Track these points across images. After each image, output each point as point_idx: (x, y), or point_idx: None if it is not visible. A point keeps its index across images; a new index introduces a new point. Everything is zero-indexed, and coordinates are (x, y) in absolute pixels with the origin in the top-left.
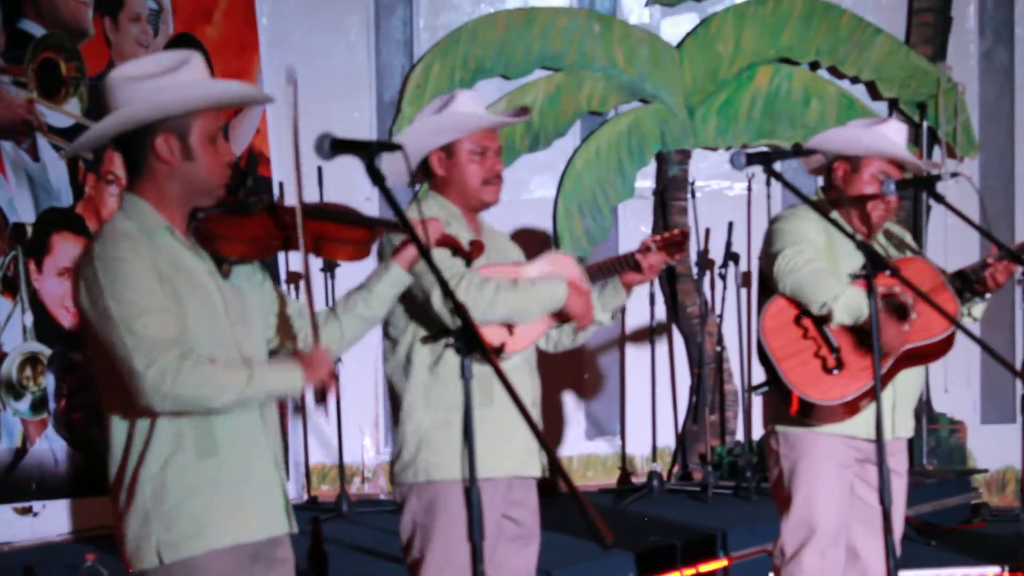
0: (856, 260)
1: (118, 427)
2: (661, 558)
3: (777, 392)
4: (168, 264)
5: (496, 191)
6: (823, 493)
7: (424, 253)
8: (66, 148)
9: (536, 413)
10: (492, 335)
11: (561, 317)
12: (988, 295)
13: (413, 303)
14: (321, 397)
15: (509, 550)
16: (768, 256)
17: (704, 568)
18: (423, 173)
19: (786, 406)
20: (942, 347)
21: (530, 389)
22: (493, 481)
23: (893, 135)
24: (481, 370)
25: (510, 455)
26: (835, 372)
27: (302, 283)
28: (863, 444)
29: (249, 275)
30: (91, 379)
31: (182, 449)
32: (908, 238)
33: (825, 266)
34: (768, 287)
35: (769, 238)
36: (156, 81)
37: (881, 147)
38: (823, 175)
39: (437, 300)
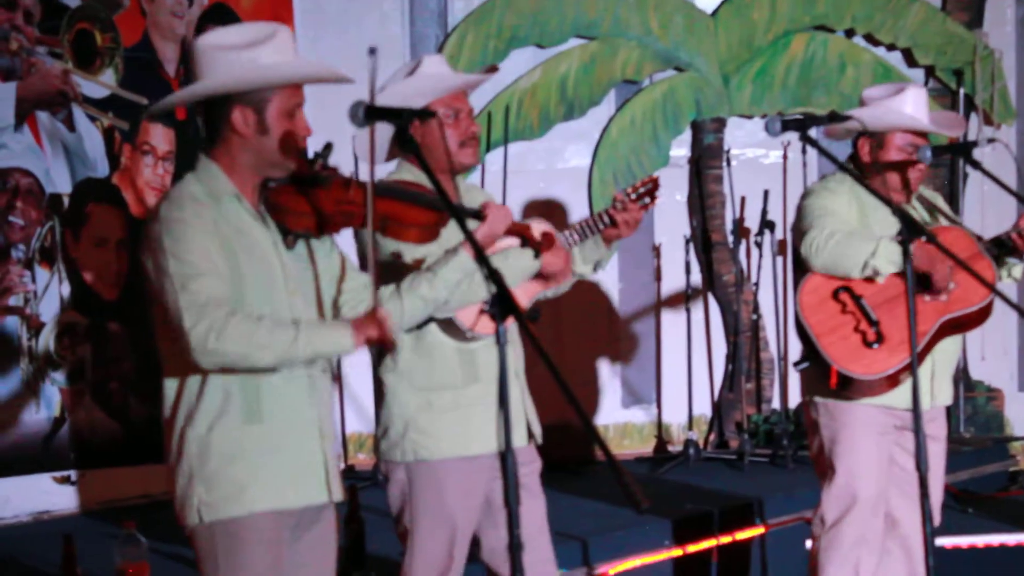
0: (890, 228)
1: (170, 387)
2: (698, 526)
3: (816, 366)
4: (231, 230)
5: (474, 152)
6: (864, 462)
7: (475, 245)
8: (102, 118)
9: (519, 383)
10: (469, 317)
11: (544, 279)
12: None
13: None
14: (379, 354)
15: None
16: (797, 233)
17: (740, 536)
18: (395, 141)
19: (826, 379)
20: (981, 315)
21: (513, 360)
22: (477, 459)
23: (912, 106)
24: (464, 348)
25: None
26: (875, 346)
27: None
28: (902, 413)
29: (317, 246)
30: (127, 349)
31: (229, 413)
32: (940, 201)
33: (847, 230)
34: (802, 260)
35: (798, 214)
36: (240, 53)
37: (902, 122)
38: (853, 150)
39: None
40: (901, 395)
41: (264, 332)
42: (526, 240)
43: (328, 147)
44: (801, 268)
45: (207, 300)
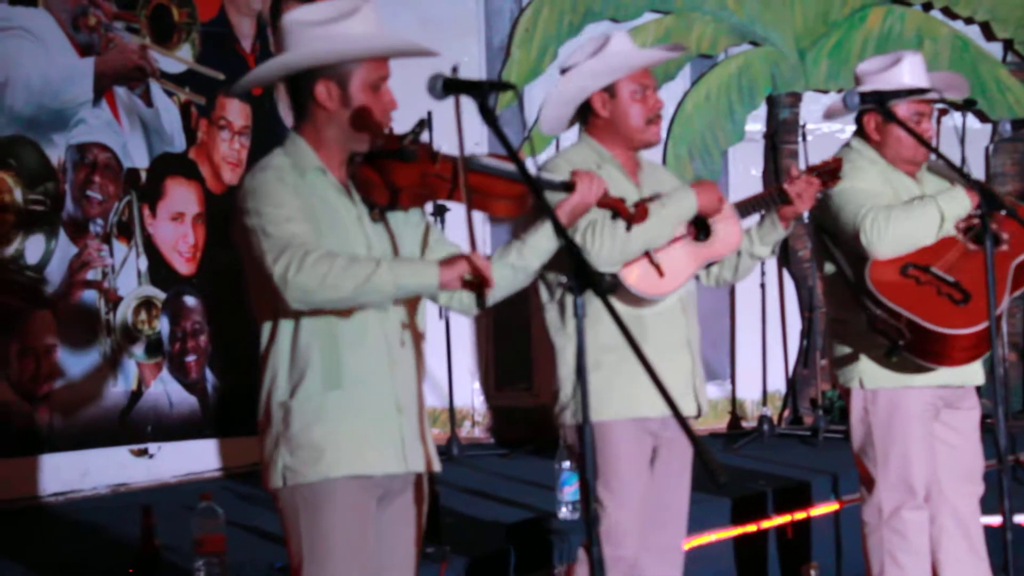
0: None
1: (264, 346)
2: (772, 502)
3: (911, 349)
4: (315, 201)
5: (658, 131)
6: (917, 449)
7: (551, 215)
8: (179, 93)
9: (691, 354)
10: (642, 278)
11: (712, 256)
12: None
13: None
14: (480, 298)
15: (663, 488)
16: (836, 219)
17: (815, 512)
18: (577, 117)
19: (919, 355)
20: None
21: (684, 329)
22: (646, 420)
23: (910, 75)
24: (633, 312)
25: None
26: (963, 304)
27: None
28: (946, 392)
29: (406, 219)
30: (204, 323)
31: (309, 378)
32: (944, 171)
33: (896, 203)
34: (827, 238)
35: (834, 201)
36: (324, 28)
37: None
38: (858, 125)
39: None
40: (954, 373)
41: (342, 263)
42: (618, 212)
43: (421, 123)
44: (829, 254)
45: (288, 240)
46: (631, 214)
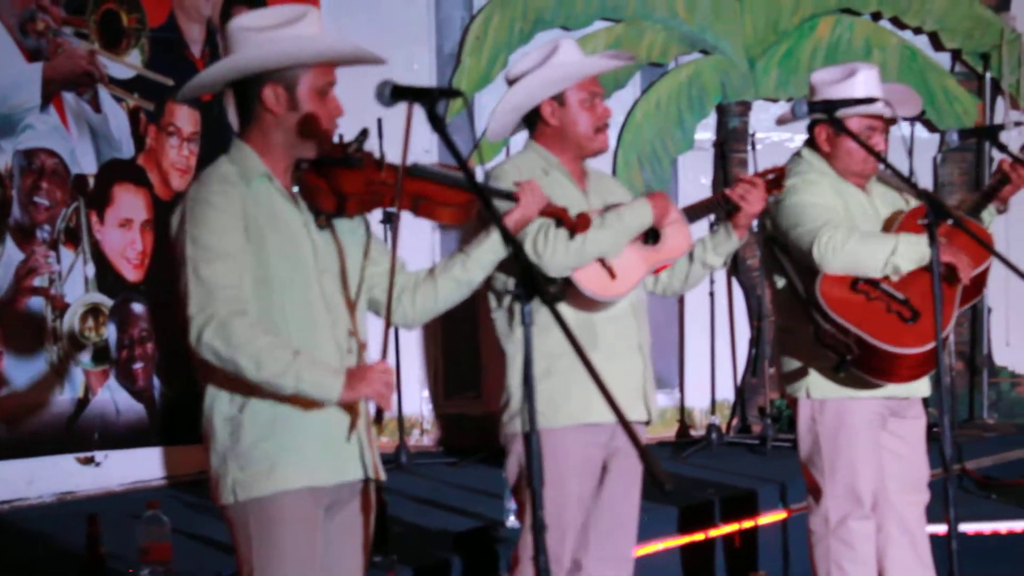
0: (864, 215)
1: (201, 368)
2: (719, 510)
3: (858, 364)
4: (260, 209)
5: (606, 139)
6: (865, 459)
7: (499, 224)
8: (128, 99)
9: (642, 358)
10: (594, 280)
11: (660, 260)
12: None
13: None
14: (377, 414)
15: (614, 496)
16: (789, 232)
17: (763, 520)
18: (524, 124)
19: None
20: (984, 277)
21: (635, 334)
22: (598, 427)
23: (864, 89)
24: (583, 317)
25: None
26: (912, 321)
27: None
28: (893, 402)
29: (350, 228)
30: (152, 330)
31: (259, 391)
32: (895, 182)
33: (858, 229)
34: (777, 250)
35: (787, 214)
36: (272, 32)
37: (856, 109)
38: (809, 135)
39: (528, 252)
40: (900, 385)
41: (262, 345)
42: (561, 221)
43: (364, 132)
44: (779, 266)
45: (214, 288)
46: (574, 223)
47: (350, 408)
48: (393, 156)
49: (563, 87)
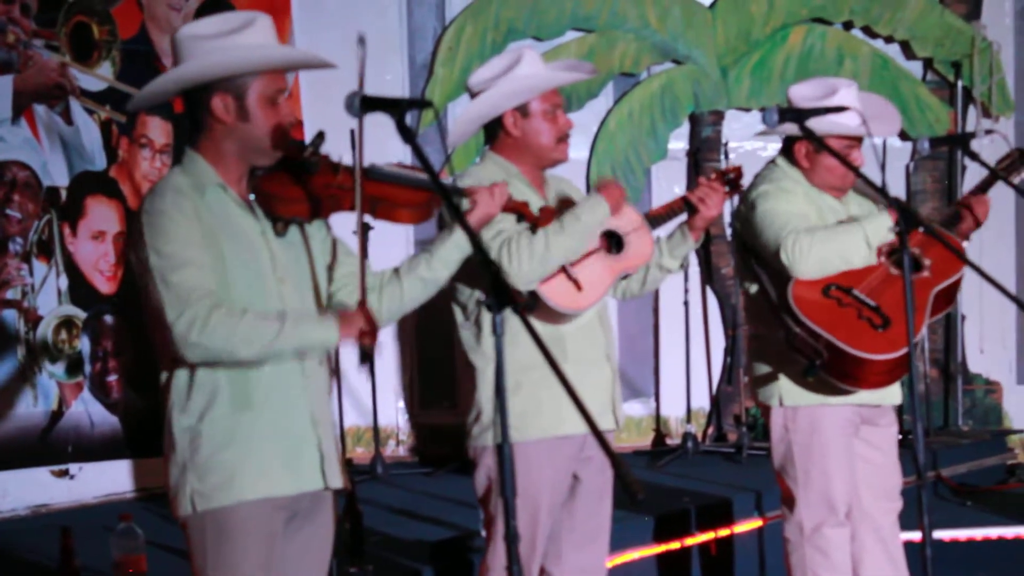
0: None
1: (164, 378)
2: (696, 519)
3: (828, 369)
4: (215, 220)
5: (567, 148)
6: (838, 466)
7: (462, 222)
8: (99, 111)
9: (611, 367)
10: (561, 294)
11: (626, 269)
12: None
13: (476, 268)
14: (364, 356)
15: (585, 506)
16: (758, 238)
17: (739, 529)
18: (485, 134)
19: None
20: (956, 289)
21: (603, 343)
22: (569, 438)
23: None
24: (552, 330)
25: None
26: (882, 329)
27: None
28: (867, 409)
29: (312, 233)
30: (125, 342)
31: (218, 401)
32: (873, 194)
33: (819, 228)
34: (750, 256)
35: (757, 220)
36: (218, 41)
37: (839, 129)
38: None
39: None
40: (872, 392)
41: (247, 325)
42: (523, 216)
43: (320, 135)
44: (752, 273)
45: (188, 291)
46: (536, 217)
47: (313, 418)
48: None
49: (527, 98)
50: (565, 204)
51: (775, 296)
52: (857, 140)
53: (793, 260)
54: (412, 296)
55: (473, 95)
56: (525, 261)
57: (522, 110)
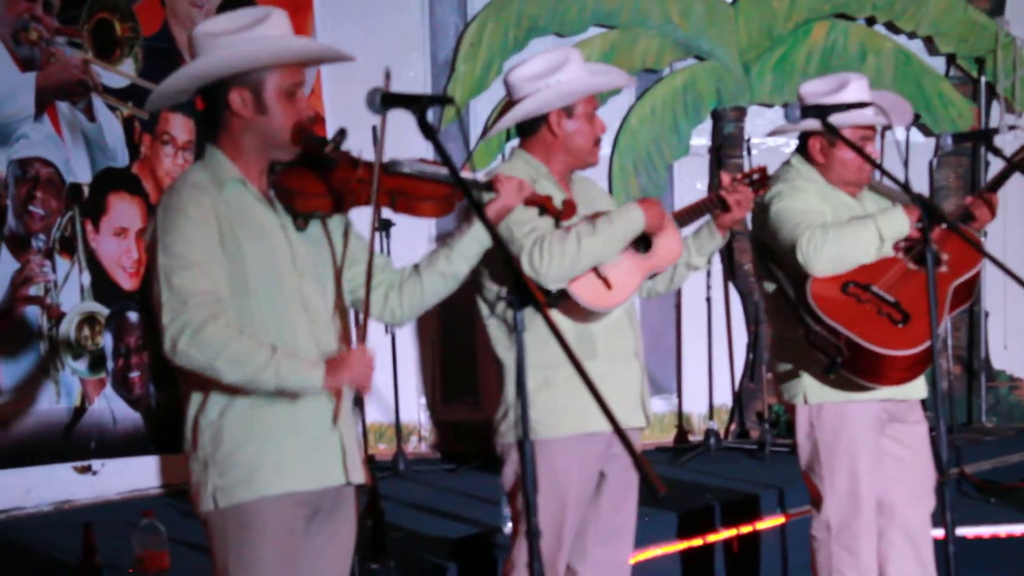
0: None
1: (183, 376)
2: (718, 515)
3: (848, 366)
4: (234, 215)
5: (599, 152)
6: (865, 463)
7: (481, 215)
8: (122, 108)
9: (639, 364)
10: (591, 291)
11: (654, 268)
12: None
13: (501, 264)
14: (356, 400)
15: (611, 503)
16: (774, 237)
17: (761, 525)
18: (518, 130)
19: (859, 374)
20: (975, 283)
21: (632, 341)
22: (597, 435)
23: (855, 100)
24: (581, 327)
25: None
26: (902, 324)
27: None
28: (894, 405)
29: (333, 228)
30: (148, 338)
31: (239, 398)
32: (883, 188)
33: (832, 225)
34: (767, 257)
35: (772, 220)
36: (234, 36)
37: (852, 120)
38: (801, 145)
39: (525, 267)
40: (896, 387)
41: (239, 346)
42: (545, 209)
43: (342, 132)
44: (769, 272)
45: (188, 296)
46: (559, 211)
47: (332, 406)
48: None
49: (577, 99)
50: (590, 204)
51: (794, 295)
52: (871, 133)
53: (808, 257)
54: (432, 291)
55: (510, 89)
56: (556, 260)
57: (567, 111)
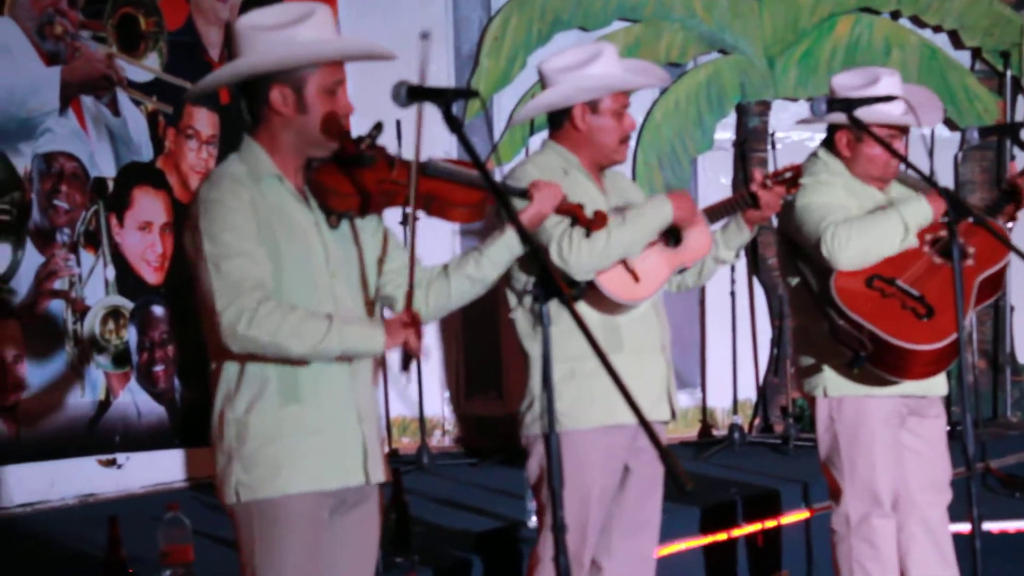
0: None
1: (213, 369)
2: (742, 510)
3: (874, 361)
4: (270, 210)
5: (627, 150)
6: (884, 457)
7: (516, 223)
8: (146, 102)
9: (666, 358)
10: (619, 284)
11: (683, 262)
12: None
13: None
14: (406, 362)
15: (636, 496)
16: (799, 232)
17: (785, 520)
18: (549, 123)
19: (884, 368)
20: (1001, 276)
21: (659, 334)
22: (622, 428)
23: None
24: (607, 319)
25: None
26: (926, 318)
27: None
28: (914, 400)
29: (363, 226)
30: (172, 333)
31: (267, 394)
32: (910, 181)
33: (857, 218)
34: (792, 251)
35: (797, 214)
36: (278, 33)
37: (884, 118)
38: (828, 137)
39: (553, 256)
40: (917, 383)
41: (295, 322)
42: (577, 219)
43: (378, 126)
44: (794, 265)
45: (240, 281)
46: (590, 220)
47: (359, 413)
48: (409, 156)
49: (600, 95)
50: (622, 196)
51: (818, 289)
52: (900, 130)
53: (833, 251)
54: (459, 294)
55: (543, 80)
56: (585, 251)
57: (592, 106)
